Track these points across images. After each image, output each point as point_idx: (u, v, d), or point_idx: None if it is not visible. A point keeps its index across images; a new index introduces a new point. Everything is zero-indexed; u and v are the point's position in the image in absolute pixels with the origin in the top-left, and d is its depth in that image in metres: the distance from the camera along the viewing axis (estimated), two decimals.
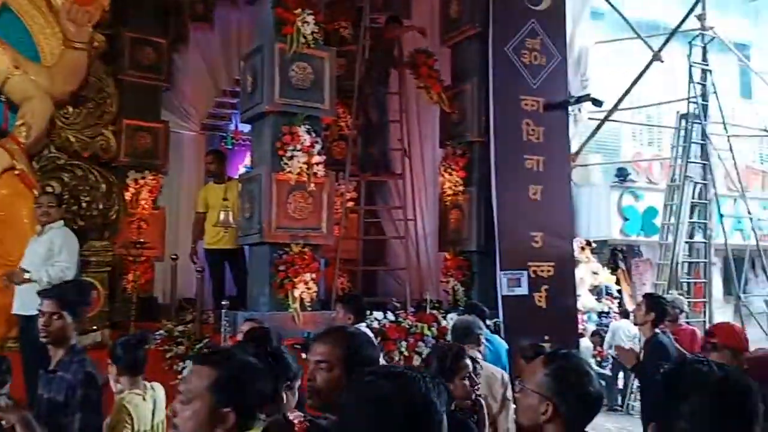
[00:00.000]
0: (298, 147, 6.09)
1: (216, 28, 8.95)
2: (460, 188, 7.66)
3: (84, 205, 6.29)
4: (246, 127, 8.90)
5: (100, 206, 6.42)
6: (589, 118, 10.42)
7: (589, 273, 11.00)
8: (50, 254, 5.26)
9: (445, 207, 7.94)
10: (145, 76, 8.36)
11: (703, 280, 10.51)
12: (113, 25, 7.71)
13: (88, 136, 6.50)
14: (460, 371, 3.13)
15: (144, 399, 3.30)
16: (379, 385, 1.38)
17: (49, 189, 5.85)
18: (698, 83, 10.35)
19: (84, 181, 6.37)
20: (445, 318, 6.82)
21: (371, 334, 5.19)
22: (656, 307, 4.99)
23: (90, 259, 6.22)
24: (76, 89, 6.33)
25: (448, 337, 5.28)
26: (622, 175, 12.15)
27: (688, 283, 10.37)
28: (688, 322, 10.05)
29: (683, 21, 10.00)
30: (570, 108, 8.05)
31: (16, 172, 5.97)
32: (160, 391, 3.45)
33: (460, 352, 3.29)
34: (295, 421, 1.90)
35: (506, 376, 4.19)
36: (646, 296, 5.57)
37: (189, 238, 7.73)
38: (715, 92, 10.54)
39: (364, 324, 5.14)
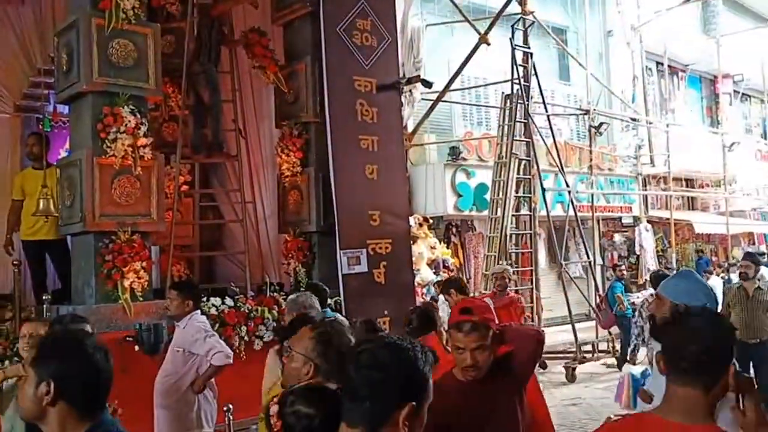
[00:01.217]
0: (122, 129, 5.76)
1: (27, 1, 8.19)
2: (298, 169, 7.65)
3: None
4: (66, 109, 8.28)
5: None
6: (423, 99, 10.77)
7: (427, 248, 11.42)
8: None
9: (284, 188, 7.90)
10: None
11: (530, 250, 11.27)
12: None
13: None
14: (436, 324, 3.87)
15: None
16: (377, 354, 1.59)
17: None
18: (520, 65, 10.98)
19: None
20: (286, 300, 6.79)
21: (207, 322, 5.09)
22: (451, 284, 5.44)
23: None
24: None
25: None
26: (454, 153, 12.65)
27: (517, 254, 11.07)
28: (517, 290, 10.78)
29: (506, 5, 10.55)
30: (403, 89, 8.26)
31: None
32: None
33: (431, 308, 4.15)
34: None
35: None
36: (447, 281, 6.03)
37: (4, 229, 7.09)
38: (536, 74, 11.24)
39: (199, 311, 5.00)
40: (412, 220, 9.71)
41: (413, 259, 8.30)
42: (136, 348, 5.52)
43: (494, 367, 2.59)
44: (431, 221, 11.77)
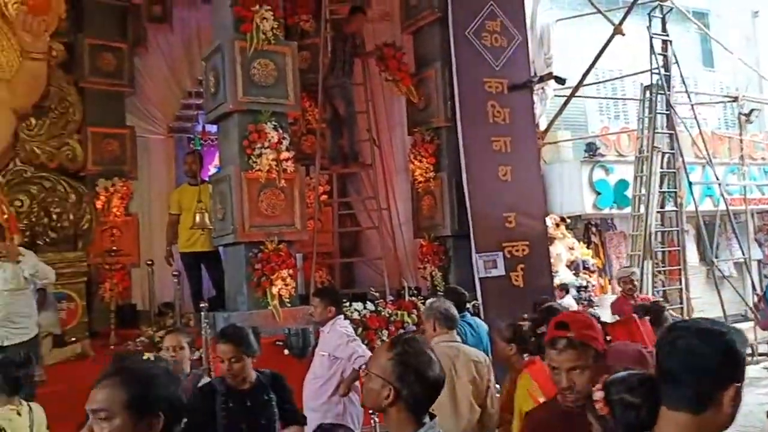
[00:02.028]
0: (266, 144, 6.09)
1: (175, 29, 8.87)
2: (431, 174, 7.71)
3: (54, 216, 6.26)
4: (214, 128, 8.88)
5: (71, 217, 6.40)
6: (555, 96, 10.52)
7: (566, 248, 11.13)
8: None
9: (418, 194, 7.99)
10: (107, 82, 8.30)
11: (677, 248, 10.68)
12: (71, 32, 7.63)
13: (53, 147, 6.48)
14: None
15: (19, 414, 3.32)
16: (693, 341, 1.59)
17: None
18: (660, 54, 10.45)
19: (53, 192, 6.35)
20: (424, 304, 6.87)
21: (350, 326, 5.25)
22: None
23: (64, 271, 6.17)
24: (37, 100, 6.27)
25: None
26: (591, 149, 12.19)
27: (663, 252, 10.53)
28: (664, 291, 10.26)
29: None
30: (535, 87, 8.12)
31: None
32: (39, 411, 3.48)
33: None
34: None
35: (488, 360, 4.24)
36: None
37: (163, 242, 7.69)
38: (676, 62, 10.65)
39: (342, 316, 5.16)
40: (548, 221, 9.50)
41: (551, 260, 8.12)
42: (286, 352, 5.80)
43: None
44: (568, 221, 11.47)
